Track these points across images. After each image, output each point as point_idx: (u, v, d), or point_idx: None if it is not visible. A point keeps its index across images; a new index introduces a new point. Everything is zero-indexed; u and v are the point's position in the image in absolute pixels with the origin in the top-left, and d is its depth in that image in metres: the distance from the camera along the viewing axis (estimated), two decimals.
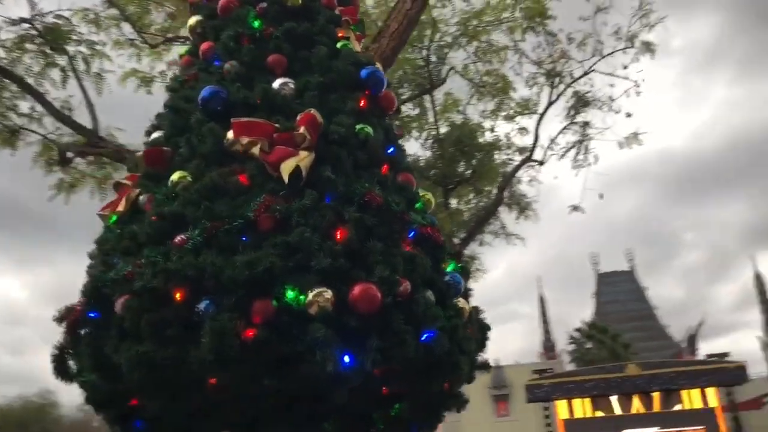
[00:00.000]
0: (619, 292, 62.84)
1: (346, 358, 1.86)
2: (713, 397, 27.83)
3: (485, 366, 2.33)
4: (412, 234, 2.18)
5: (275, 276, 1.87)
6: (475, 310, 2.31)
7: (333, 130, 2.21)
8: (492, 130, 10.10)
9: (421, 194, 2.46)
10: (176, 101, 2.45)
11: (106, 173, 7.54)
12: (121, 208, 2.23)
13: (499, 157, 10.28)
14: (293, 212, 2.00)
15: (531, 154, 10.05)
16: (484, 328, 2.31)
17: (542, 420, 29.00)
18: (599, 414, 29.16)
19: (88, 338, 2.02)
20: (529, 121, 10.21)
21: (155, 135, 2.38)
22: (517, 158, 10.30)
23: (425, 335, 2.01)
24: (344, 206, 2.06)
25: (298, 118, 2.20)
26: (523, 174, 10.45)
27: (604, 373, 27.26)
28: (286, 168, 2.06)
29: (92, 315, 2.02)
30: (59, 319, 2.18)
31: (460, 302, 2.22)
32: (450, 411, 2.32)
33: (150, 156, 2.30)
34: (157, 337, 1.86)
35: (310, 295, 1.86)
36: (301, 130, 2.13)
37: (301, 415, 2.23)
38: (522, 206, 10.37)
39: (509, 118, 10.11)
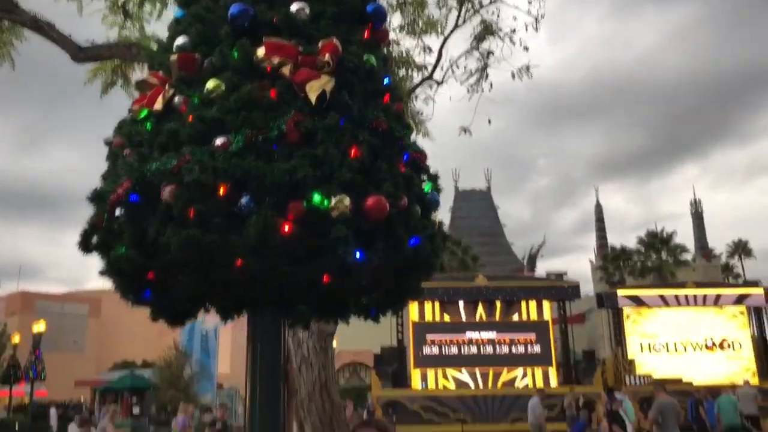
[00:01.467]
0: (474, 209, 66.73)
1: (358, 254, 2.31)
2: (548, 310, 31.03)
3: (443, 267, 2.89)
4: (405, 157, 2.62)
5: (307, 183, 2.26)
6: (440, 223, 2.81)
7: (348, 59, 2.54)
8: (397, 43, 10.44)
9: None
10: (199, 10, 2.65)
11: (5, 39, 7.14)
12: (158, 106, 2.46)
13: (398, 72, 10.67)
14: (318, 129, 2.36)
15: (432, 73, 10.55)
16: (445, 238, 2.83)
17: (394, 320, 30.98)
18: (447, 318, 31.63)
19: (129, 218, 2.31)
20: (433, 41, 10.65)
21: (181, 40, 2.59)
22: (416, 76, 10.76)
23: (413, 241, 2.49)
24: (357, 129, 2.45)
25: (321, 44, 2.51)
26: (420, 92, 10.98)
27: (455, 282, 29.43)
28: (313, 89, 2.40)
29: (133, 198, 2.31)
30: (92, 199, 2.45)
31: (434, 216, 2.71)
32: (412, 300, 2.85)
33: (182, 61, 2.52)
34: (203, 224, 2.20)
35: (333, 201, 2.27)
36: (326, 57, 2.45)
37: (286, 297, 2.68)
38: (416, 122, 10.93)
39: (415, 35, 10.49)
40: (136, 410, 26.68)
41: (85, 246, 2.50)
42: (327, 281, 2.46)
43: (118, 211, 2.38)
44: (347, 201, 2.28)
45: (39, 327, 32.02)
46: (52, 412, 29.14)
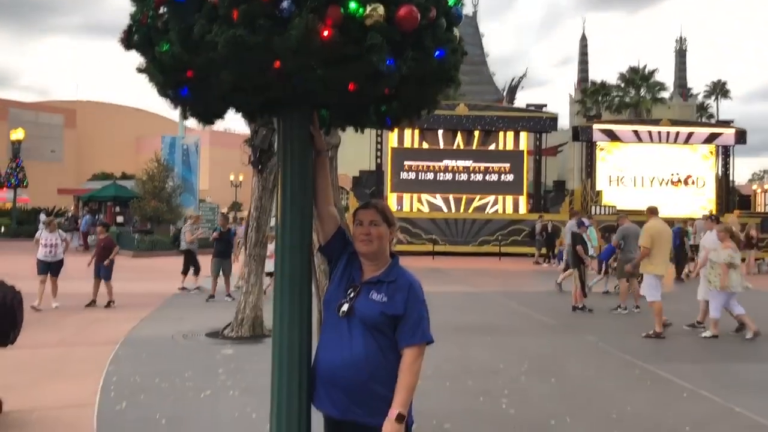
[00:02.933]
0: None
1: (389, 62, 2.49)
2: (524, 141, 31.61)
3: (459, 82, 3.08)
4: None
5: None
6: (460, 38, 2.96)
7: None
8: None
9: None
10: None
11: None
12: None
13: None
14: None
15: None
16: (464, 53, 2.99)
17: (374, 146, 31.35)
18: (425, 146, 32.11)
19: (176, 15, 2.43)
20: None
21: None
22: None
23: (438, 53, 2.67)
24: None
25: None
26: None
27: (436, 110, 29.41)
28: None
29: None
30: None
31: (456, 31, 2.86)
32: (427, 112, 3.07)
33: None
34: (248, 24, 2.33)
35: (368, 9, 2.40)
36: None
37: (314, 101, 2.88)
38: None
39: None
40: (119, 219, 27.49)
41: (127, 43, 2.63)
42: (353, 88, 2.65)
43: (162, 9, 2.49)
44: (381, 9, 2.41)
45: (17, 134, 31.92)
46: (42, 217, 29.80)
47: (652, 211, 11.09)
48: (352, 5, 2.39)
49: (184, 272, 15.21)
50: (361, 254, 2.81)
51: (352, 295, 2.74)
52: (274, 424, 2.78)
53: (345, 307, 2.71)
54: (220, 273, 14.08)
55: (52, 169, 55.25)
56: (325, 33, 2.36)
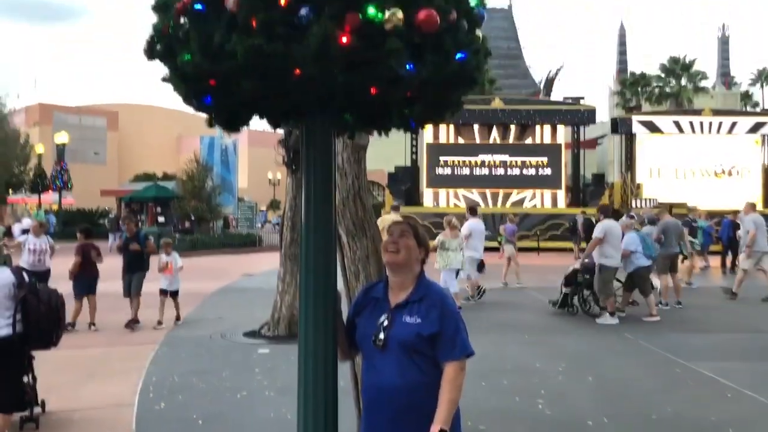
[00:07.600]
0: (494, 29, 64.38)
1: (409, 67, 2.47)
2: (562, 134, 31.21)
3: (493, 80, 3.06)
4: None
5: None
6: (484, 38, 2.92)
7: None
8: None
9: None
10: None
11: None
12: None
13: None
14: None
15: None
16: (487, 54, 2.95)
17: (409, 142, 31.29)
18: (461, 141, 31.95)
19: (196, 25, 2.45)
20: None
21: None
22: None
23: (460, 55, 2.63)
24: None
25: None
26: None
27: (471, 104, 29.34)
28: None
29: (198, 7, 2.43)
30: (156, 8, 2.57)
31: (479, 32, 2.82)
32: (450, 113, 3.03)
33: None
34: (267, 33, 2.34)
35: (387, 14, 2.38)
36: None
37: (336, 106, 2.87)
38: None
39: None
40: (161, 219, 27.98)
41: (150, 53, 2.65)
42: (374, 92, 2.63)
43: (182, 20, 2.51)
44: (400, 14, 2.38)
45: (62, 138, 32.76)
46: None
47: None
48: (371, 11, 2.38)
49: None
50: (388, 265, 2.78)
51: (386, 323, 2.72)
52: (302, 423, 2.76)
53: (381, 336, 2.69)
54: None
55: (96, 171, 56.53)
56: (344, 39, 2.35)
